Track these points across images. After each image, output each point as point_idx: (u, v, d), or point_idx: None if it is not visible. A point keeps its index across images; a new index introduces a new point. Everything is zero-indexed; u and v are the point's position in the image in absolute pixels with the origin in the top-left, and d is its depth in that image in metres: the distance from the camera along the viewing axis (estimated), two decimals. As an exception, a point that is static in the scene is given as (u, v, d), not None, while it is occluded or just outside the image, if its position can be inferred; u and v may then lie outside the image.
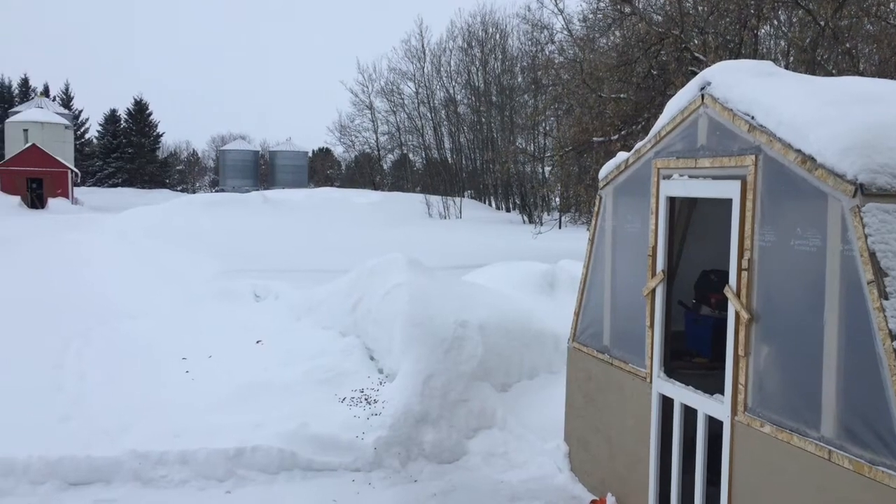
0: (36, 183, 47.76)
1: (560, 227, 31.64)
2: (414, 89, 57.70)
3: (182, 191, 78.55)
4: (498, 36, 51.71)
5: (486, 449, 7.24)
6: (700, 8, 16.08)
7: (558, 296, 10.43)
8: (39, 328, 12.44)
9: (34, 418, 7.88)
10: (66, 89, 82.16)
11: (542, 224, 26.67)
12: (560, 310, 9.17)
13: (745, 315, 4.43)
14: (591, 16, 21.55)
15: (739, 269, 4.51)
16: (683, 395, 5.11)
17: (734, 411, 4.57)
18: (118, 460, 6.66)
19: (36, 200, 46.75)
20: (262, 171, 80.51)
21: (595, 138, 15.73)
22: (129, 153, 79.39)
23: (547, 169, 34.84)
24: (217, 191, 70.64)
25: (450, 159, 56.75)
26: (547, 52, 31.83)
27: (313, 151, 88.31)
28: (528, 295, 10.11)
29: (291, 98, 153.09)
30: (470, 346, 8.01)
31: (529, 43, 43.52)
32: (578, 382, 6.64)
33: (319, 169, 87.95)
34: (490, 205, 51.38)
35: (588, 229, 7.08)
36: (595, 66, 16.50)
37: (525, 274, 10.97)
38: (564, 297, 10.08)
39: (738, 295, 4.50)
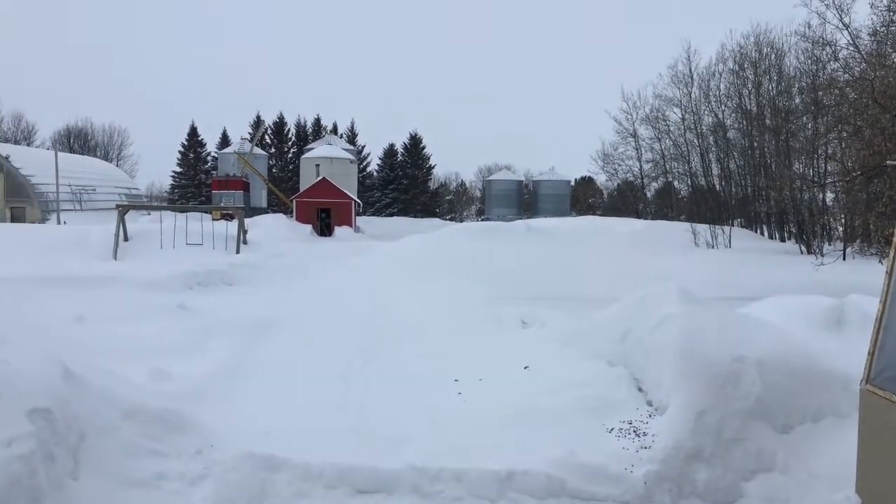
0: (325, 212, 52.45)
1: (844, 259, 29.04)
2: (680, 115, 56.19)
3: (451, 219, 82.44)
4: (773, 56, 48.89)
5: (765, 493, 6.82)
6: None
7: (847, 333, 9.60)
8: (332, 345, 13.66)
9: (326, 427, 8.66)
10: (352, 127, 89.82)
11: (822, 255, 24.69)
12: (849, 349, 8.45)
13: None
14: (881, 29, 19.76)
15: None
16: None
17: None
18: (400, 473, 7.11)
19: (324, 228, 51.33)
20: (526, 199, 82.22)
21: (889, 161, 14.34)
22: (404, 184, 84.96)
23: (829, 196, 32.25)
24: (483, 219, 73.25)
25: (718, 186, 54.39)
26: (829, 71, 29.59)
27: (576, 180, 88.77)
28: (811, 331, 9.41)
29: (555, 127, 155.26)
30: (747, 382, 7.60)
31: (809, 62, 40.75)
32: (874, 429, 6.05)
33: (581, 197, 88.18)
34: (762, 234, 48.44)
35: (882, 261, 6.45)
36: (888, 84, 15.11)
37: (808, 308, 10.23)
38: (854, 336, 9.26)
39: None
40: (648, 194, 69.65)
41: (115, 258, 26.82)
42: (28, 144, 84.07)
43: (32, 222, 48.06)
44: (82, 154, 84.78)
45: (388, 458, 7.42)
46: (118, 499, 5.75)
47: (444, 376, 10.59)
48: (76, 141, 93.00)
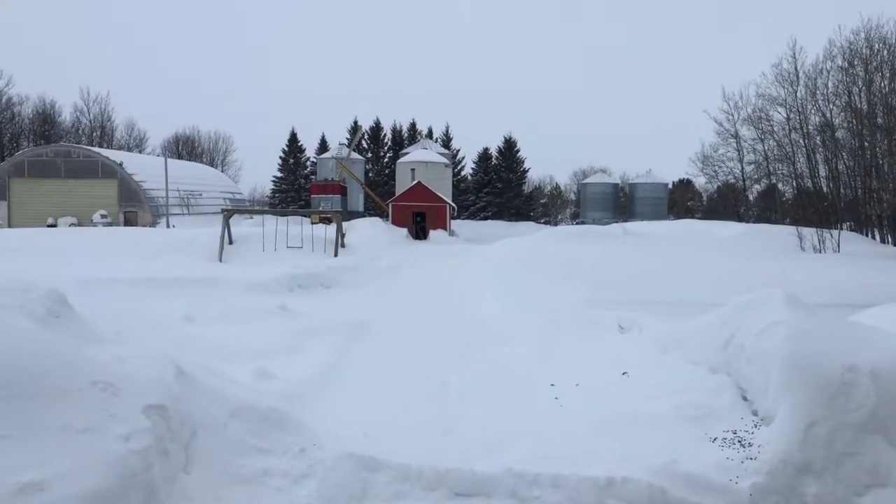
0: (420, 216, 52.95)
1: (966, 264, 27.41)
2: (785, 115, 54.13)
3: (545, 223, 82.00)
4: (885, 52, 46.60)
5: (880, 510, 6.52)
6: None
7: (969, 344, 9.06)
8: (427, 347, 13.82)
9: (424, 429, 8.76)
10: (446, 131, 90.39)
11: (941, 259, 23.38)
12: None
13: None
14: None
15: None
16: None
17: None
18: (497, 477, 7.12)
19: (419, 232, 51.82)
20: (622, 203, 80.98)
21: None
22: (498, 188, 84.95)
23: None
24: (577, 223, 72.55)
25: (825, 188, 52.19)
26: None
27: (673, 183, 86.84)
28: (929, 340, 8.93)
29: (651, 129, 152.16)
30: (860, 393, 7.27)
31: (924, 57, 38.63)
32: None
33: (679, 200, 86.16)
34: (873, 237, 46.21)
35: None
36: None
37: (925, 316, 9.73)
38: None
39: None
40: (750, 197, 67.45)
41: (221, 260, 27.82)
42: (140, 151, 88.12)
43: (144, 226, 50.31)
44: (189, 160, 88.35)
45: (484, 461, 7.44)
46: (226, 494, 5.96)
47: (539, 380, 10.55)
48: (184, 147, 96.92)
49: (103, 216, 53.73)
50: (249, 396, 8.02)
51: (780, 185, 59.57)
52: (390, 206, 54.66)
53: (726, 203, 67.04)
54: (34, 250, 25.16)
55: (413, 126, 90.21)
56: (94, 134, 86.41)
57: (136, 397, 5.65)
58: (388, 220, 53.51)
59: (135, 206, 56.58)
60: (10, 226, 50.04)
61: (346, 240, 34.25)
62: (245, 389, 8.48)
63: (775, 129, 55.35)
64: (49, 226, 46.73)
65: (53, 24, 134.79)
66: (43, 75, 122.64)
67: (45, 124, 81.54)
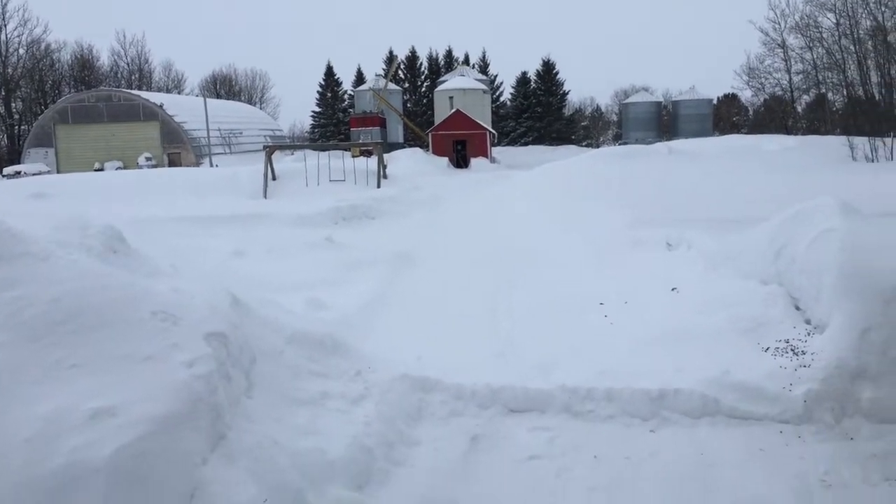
0: (460, 144, 52.62)
1: None
2: (834, 20, 52.01)
3: (587, 146, 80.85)
4: (941, -52, 44.30)
5: (937, 412, 6.48)
6: None
7: None
8: (474, 273, 13.90)
9: (475, 352, 8.88)
10: (483, 56, 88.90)
11: None
12: None
13: None
14: None
15: None
16: None
17: None
18: (550, 393, 7.23)
19: (460, 160, 51.57)
20: (665, 121, 79.32)
21: None
22: (538, 112, 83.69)
23: None
24: (620, 144, 71.43)
25: (877, 95, 50.41)
26: None
27: (718, 98, 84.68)
28: None
29: (693, 43, 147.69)
30: (916, 298, 7.16)
31: None
32: None
33: (724, 116, 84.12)
34: (929, 144, 44.75)
35: None
36: None
37: None
38: None
39: None
40: (799, 108, 65.50)
41: (265, 197, 28.08)
42: (178, 92, 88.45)
43: (188, 166, 50.89)
44: (228, 99, 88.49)
45: (538, 380, 7.54)
46: (287, 415, 6.15)
47: (588, 300, 10.58)
48: (222, 87, 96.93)
49: (148, 159, 54.44)
50: (303, 324, 8.19)
51: (829, 95, 57.72)
52: (430, 135, 54.40)
53: (773, 116, 65.21)
54: (83, 194, 25.63)
55: (449, 53, 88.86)
56: (133, 77, 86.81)
57: (196, 326, 5.80)
58: (428, 151, 53.28)
59: (178, 148, 57.18)
60: (58, 172, 50.99)
61: (387, 171, 34.24)
62: (298, 318, 8.65)
63: (824, 35, 53.32)
64: (96, 170, 47.51)
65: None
66: (78, 20, 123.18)
67: (85, 70, 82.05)
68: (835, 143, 34.55)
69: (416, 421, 7.01)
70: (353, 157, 37.09)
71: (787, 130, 57.95)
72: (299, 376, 7.00)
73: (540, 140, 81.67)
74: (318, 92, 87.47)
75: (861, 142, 33.14)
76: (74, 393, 4.83)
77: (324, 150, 34.69)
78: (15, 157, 61.64)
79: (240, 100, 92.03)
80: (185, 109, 59.59)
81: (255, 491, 5.05)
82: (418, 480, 5.97)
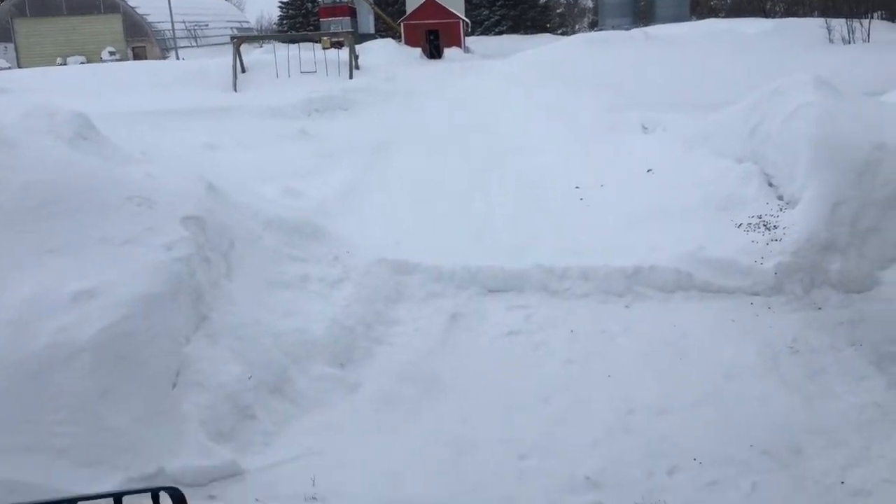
0: (433, 34, 51.25)
1: None
2: None
3: (563, 34, 79.22)
4: None
5: (903, 280, 6.67)
6: None
7: None
8: (451, 161, 13.82)
9: (453, 237, 8.92)
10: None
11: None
12: None
13: None
14: None
15: None
16: None
17: None
18: (527, 272, 7.33)
19: (433, 51, 50.38)
20: (641, 7, 77.66)
21: None
22: (512, 1, 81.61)
23: None
24: (596, 31, 70.11)
25: (857, -24, 49.56)
26: None
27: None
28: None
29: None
30: (887, 171, 7.25)
31: None
32: None
33: (702, 0, 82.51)
34: (906, 26, 44.31)
35: None
36: None
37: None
38: None
39: None
40: (777, -9, 64.33)
41: (235, 89, 27.44)
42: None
43: (153, 60, 49.43)
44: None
45: (514, 260, 7.63)
46: (268, 298, 6.21)
47: (564, 184, 10.59)
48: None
49: (112, 53, 52.73)
50: (280, 210, 8.16)
51: (808, -23, 56.61)
52: (402, 25, 52.98)
53: None
54: (46, 89, 24.81)
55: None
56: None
57: (172, 210, 5.78)
58: (400, 41, 51.98)
59: (142, 41, 55.40)
60: (19, 68, 49.37)
61: (359, 62, 33.48)
62: (275, 205, 8.61)
63: None
64: (60, 65, 45.96)
65: None
66: None
67: (39, -40, 78.29)
68: (812, 26, 34.08)
69: (395, 302, 7.11)
70: (324, 48, 36.10)
71: (765, 13, 57.07)
72: (278, 261, 7.03)
73: (514, 29, 79.71)
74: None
75: (838, 23, 32.72)
76: (54, 276, 4.84)
77: (293, 41, 33.72)
78: (-28, 54, 59.41)
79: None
80: (149, 2, 57.37)
81: (240, 369, 5.15)
82: (399, 357, 6.12)
